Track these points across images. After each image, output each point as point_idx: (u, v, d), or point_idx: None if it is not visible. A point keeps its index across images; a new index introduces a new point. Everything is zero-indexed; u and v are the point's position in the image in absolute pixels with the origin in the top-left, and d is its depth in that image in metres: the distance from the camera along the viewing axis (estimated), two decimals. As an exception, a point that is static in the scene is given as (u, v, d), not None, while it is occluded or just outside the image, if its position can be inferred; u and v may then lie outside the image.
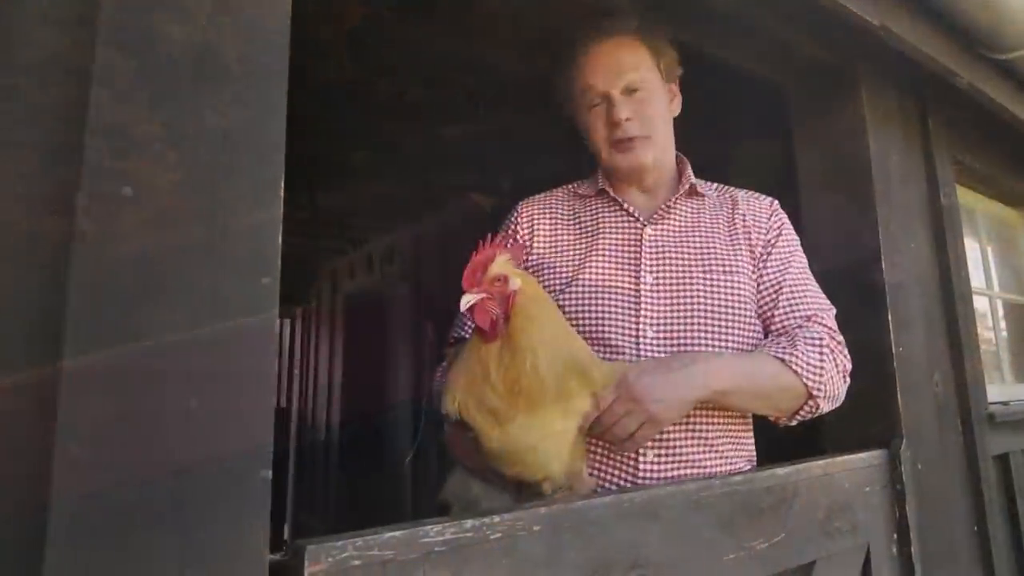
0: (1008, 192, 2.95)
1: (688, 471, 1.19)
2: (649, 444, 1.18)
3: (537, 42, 2.14)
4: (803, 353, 1.17)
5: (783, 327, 1.26)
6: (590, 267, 1.27)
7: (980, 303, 2.69)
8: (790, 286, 1.28)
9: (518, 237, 1.36)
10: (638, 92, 1.29)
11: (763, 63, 1.73)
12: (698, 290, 1.23)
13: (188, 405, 0.66)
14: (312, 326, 6.37)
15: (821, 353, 1.19)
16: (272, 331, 0.72)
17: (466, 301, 0.97)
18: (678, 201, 1.34)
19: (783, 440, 1.53)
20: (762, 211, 1.36)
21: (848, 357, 1.26)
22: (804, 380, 1.16)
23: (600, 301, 1.23)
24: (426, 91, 2.73)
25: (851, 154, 1.73)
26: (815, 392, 1.18)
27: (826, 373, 1.18)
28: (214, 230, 0.70)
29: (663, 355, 1.18)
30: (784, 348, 1.18)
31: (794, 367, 1.15)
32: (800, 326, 1.24)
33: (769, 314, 1.28)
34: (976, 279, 2.50)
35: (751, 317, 1.26)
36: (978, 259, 2.74)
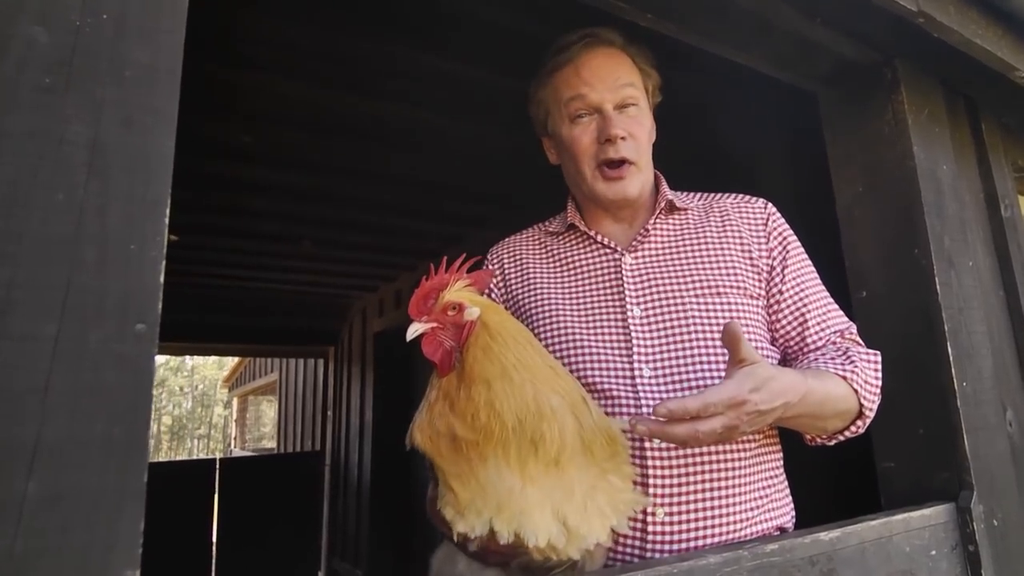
0: (1079, 202, 2.67)
1: (709, 533, 1.00)
2: (658, 501, 1.00)
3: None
4: (862, 371, 1.06)
5: (816, 346, 1.12)
6: (571, 307, 1.14)
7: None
8: (814, 302, 1.15)
9: (492, 286, 1.24)
10: (631, 108, 1.16)
11: (787, 67, 1.55)
12: (692, 316, 1.08)
13: (25, 488, 0.52)
14: (344, 365, 6.30)
15: (877, 371, 1.08)
16: (147, 389, 0.58)
17: (412, 331, 0.86)
18: (656, 223, 1.20)
19: (825, 495, 1.32)
20: (756, 216, 1.21)
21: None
22: (861, 399, 1.04)
23: (586, 342, 1.09)
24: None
25: (893, 164, 1.52)
26: (867, 412, 1.07)
27: (878, 393, 1.08)
28: (73, 263, 0.57)
29: (666, 394, 1.02)
30: (843, 365, 1.05)
31: (854, 385, 1.03)
32: (834, 342, 1.12)
33: (797, 334, 1.14)
34: (1048, 300, 2.22)
35: (762, 339, 1.11)
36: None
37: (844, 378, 1.02)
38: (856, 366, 1.05)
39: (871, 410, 1.06)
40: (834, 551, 1.07)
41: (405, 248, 4.49)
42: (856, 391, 1.03)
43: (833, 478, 1.87)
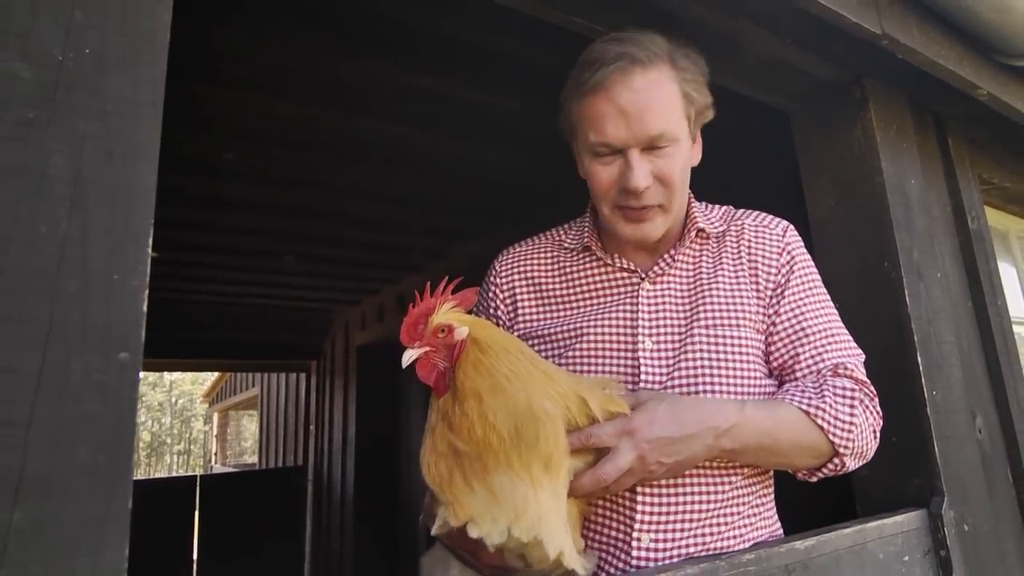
0: (1044, 212, 2.74)
1: (693, 554, 1.01)
2: (645, 528, 1.00)
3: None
4: (831, 406, 1.00)
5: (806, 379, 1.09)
6: (581, 332, 1.09)
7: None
8: (812, 333, 1.08)
9: (498, 302, 1.19)
10: (664, 148, 1.02)
11: (759, 87, 1.59)
12: (700, 350, 1.04)
13: (9, 520, 0.53)
14: (326, 379, 6.26)
15: (852, 407, 1.02)
16: (130, 415, 0.59)
17: (407, 357, 0.88)
18: (682, 249, 1.14)
19: (803, 503, 1.35)
20: (772, 241, 1.14)
21: (880, 414, 1.09)
22: (830, 436, 1.00)
23: (594, 371, 1.07)
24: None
25: (863, 179, 1.57)
26: (841, 450, 1.02)
27: (856, 429, 1.02)
28: (55, 295, 0.58)
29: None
30: (810, 399, 1.01)
31: (819, 421, 0.99)
32: (822, 375, 1.07)
33: (789, 366, 1.09)
34: (1016, 308, 2.28)
35: (761, 376, 1.08)
36: (1016, 286, 2.52)
37: (807, 413, 0.99)
38: (824, 401, 0.99)
39: (847, 448, 1.01)
40: (809, 559, 1.09)
41: (388, 262, 4.49)
42: (822, 427, 0.99)
43: (814, 489, 1.90)
